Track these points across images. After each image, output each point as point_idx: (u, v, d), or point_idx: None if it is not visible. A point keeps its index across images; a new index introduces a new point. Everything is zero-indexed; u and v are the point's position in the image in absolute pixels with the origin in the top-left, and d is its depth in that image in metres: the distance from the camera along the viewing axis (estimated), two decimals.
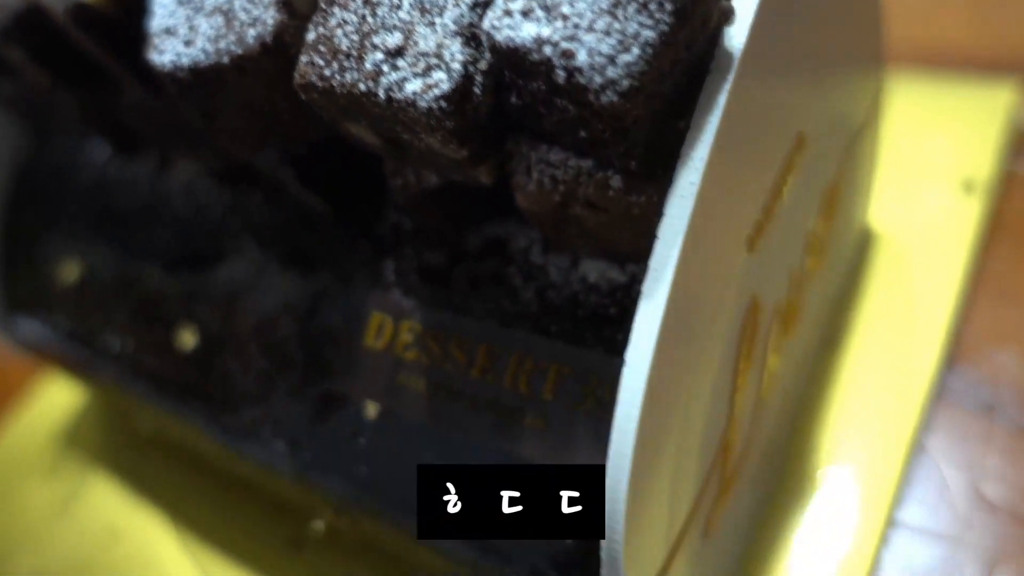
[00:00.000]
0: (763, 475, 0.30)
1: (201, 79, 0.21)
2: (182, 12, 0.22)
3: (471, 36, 0.18)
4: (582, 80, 0.17)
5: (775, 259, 0.24)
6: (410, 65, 0.18)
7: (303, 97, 0.20)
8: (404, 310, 0.25)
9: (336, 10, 0.20)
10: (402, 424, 0.24)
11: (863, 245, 0.36)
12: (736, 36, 0.18)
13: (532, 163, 0.20)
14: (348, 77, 0.18)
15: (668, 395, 0.19)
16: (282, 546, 0.34)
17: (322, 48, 0.19)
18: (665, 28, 0.16)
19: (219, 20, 0.21)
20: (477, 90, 0.18)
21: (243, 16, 0.21)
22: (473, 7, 0.19)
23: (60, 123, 0.35)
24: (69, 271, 0.34)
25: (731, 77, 0.18)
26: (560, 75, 0.17)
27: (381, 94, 0.18)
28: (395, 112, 0.18)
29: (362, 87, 0.18)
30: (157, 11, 0.23)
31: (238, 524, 0.35)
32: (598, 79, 0.16)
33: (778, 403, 0.29)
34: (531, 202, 0.21)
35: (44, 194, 0.36)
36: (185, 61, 0.21)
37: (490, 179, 0.21)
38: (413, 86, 0.18)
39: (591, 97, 0.16)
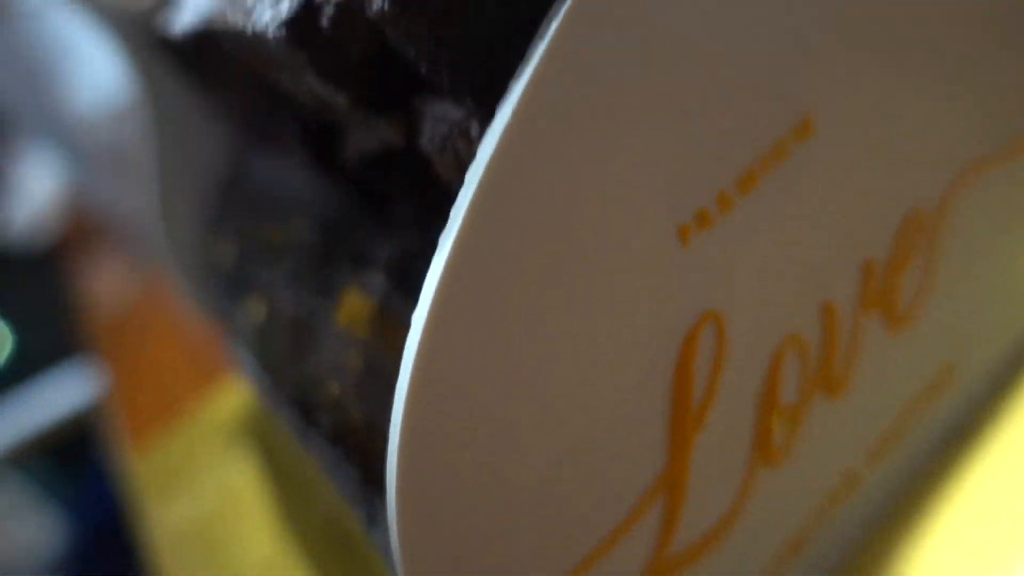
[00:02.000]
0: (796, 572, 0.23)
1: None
2: None
3: None
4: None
5: (761, 277, 0.19)
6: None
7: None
8: (368, 287, 0.24)
9: None
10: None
11: None
12: None
13: (427, 119, 0.19)
14: (231, 17, 0.19)
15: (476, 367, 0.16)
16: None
17: None
18: None
19: None
20: (324, 21, 0.17)
21: None
22: None
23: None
24: (228, 253, 0.39)
25: None
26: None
27: (248, 28, 0.18)
28: (258, 46, 0.18)
29: (239, 24, 0.18)
30: None
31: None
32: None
33: (833, 484, 0.23)
34: (442, 170, 0.19)
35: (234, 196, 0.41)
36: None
37: (400, 139, 0.20)
38: (266, 16, 0.17)
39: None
